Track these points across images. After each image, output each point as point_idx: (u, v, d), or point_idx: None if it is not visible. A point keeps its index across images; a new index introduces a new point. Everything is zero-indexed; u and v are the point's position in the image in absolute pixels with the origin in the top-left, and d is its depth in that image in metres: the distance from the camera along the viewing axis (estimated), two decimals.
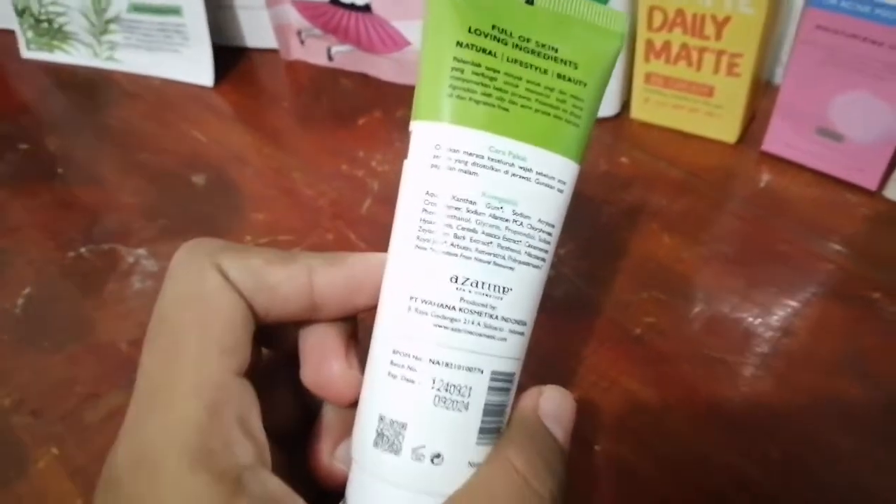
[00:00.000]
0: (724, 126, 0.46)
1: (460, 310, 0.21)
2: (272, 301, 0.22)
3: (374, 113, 0.54)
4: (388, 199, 0.46)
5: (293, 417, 0.25)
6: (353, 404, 0.23)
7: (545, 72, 0.22)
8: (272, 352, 0.25)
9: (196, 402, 0.20)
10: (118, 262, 0.44)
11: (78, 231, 0.46)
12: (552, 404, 0.23)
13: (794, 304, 0.38)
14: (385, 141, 0.51)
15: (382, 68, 0.56)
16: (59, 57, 0.62)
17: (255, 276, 0.22)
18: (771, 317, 0.37)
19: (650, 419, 0.33)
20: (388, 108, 0.54)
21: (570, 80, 0.22)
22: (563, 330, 0.37)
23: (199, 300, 0.21)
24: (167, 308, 0.21)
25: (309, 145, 0.52)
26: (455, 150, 0.21)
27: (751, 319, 0.37)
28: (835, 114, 0.41)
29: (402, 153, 0.22)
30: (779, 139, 0.45)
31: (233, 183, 0.49)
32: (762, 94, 0.48)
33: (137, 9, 0.57)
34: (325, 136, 0.52)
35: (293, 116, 0.55)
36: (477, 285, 0.21)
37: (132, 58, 0.60)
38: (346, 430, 0.24)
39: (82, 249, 0.45)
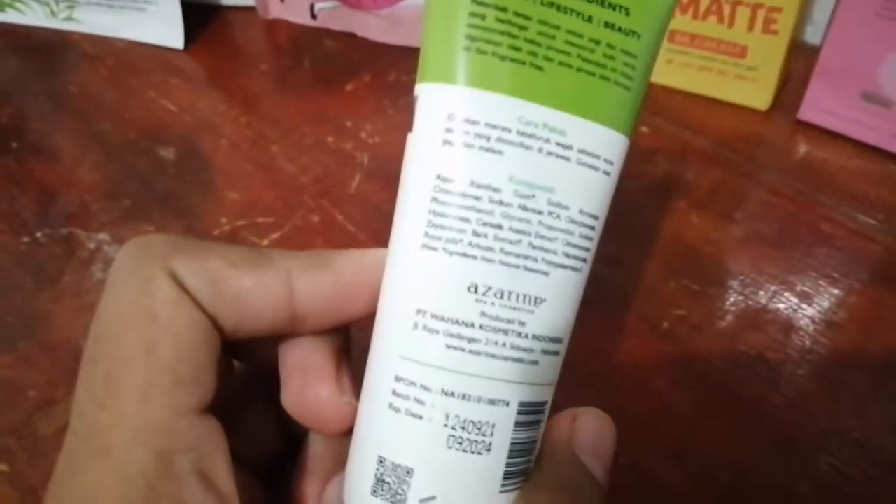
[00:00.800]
0: (756, 91, 0.43)
1: (481, 327, 0.17)
2: (241, 314, 0.18)
3: (363, 77, 0.50)
4: (379, 175, 0.42)
5: (273, 444, 0.21)
6: (347, 433, 0.19)
7: (589, 19, 0.17)
8: (246, 365, 0.21)
9: (141, 451, 0.16)
10: (77, 248, 0.40)
11: (32, 213, 0.42)
12: (589, 434, 0.19)
13: (838, 291, 0.34)
14: (376, 109, 0.47)
15: (372, 27, 0.52)
16: (11, 17, 0.58)
17: (219, 283, 0.18)
18: (813, 307, 0.34)
19: (682, 428, 0.30)
20: (379, 71, 0.50)
21: (620, 29, 0.17)
22: (583, 324, 0.33)
23: (148, 318, 0.17)
24: (107, 326, 0.17)
25: (290, 114, 0.48)
26: (474, 122, 0.17)
27: (791, 311, 0.34)
28: (885, 76, 0.38)
29: (396, 123, 0.18)
30: (818, 106, 0.41)
31: (205, 157, 0.45)
32: (795, 55, 0.44)
33: None
34: (308, 104, 0.49)
35: (272, 81, 0.51)
36: (502, 296, 0.17)
37: (93, 18, 0.56)
38: (338, 463, 0.20)
39: (37, 234, 0.41)
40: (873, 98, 0.39)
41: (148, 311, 0.17)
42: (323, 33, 0.54)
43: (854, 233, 0.37)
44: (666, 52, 0.44)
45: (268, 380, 0.21)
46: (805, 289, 0.34)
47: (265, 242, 0.39)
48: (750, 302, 0.34)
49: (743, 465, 0.29)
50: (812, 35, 0.46)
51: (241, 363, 0.21)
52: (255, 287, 0.18)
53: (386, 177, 0.42)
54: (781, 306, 0.34)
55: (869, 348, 0.32)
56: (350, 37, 0.53)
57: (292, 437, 0.21)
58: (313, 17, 0.55)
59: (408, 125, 0.17)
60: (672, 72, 0.45)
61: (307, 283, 0.18)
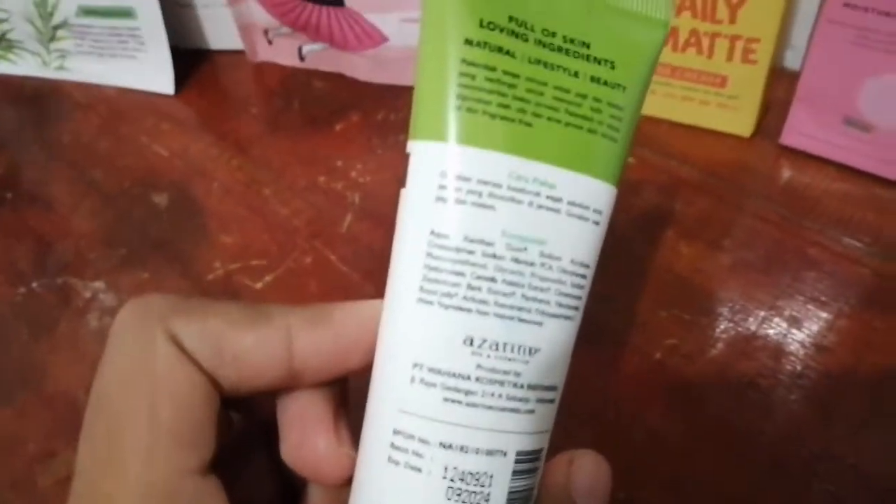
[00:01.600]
0: (739, 119, 0.43)
1: (477, 379, 0.17)
2: (241, 373, 0.18)
3: (351, 117, 0.50)
4: (371, 214, 0.42)
5: (273, 495, 0.22)
6: (346, 484, 0.19)
7: (576, 74, 0.18)
8: (245, 418, 0.22)
9: None
10: (73, 297, 0.40)
11: (28, 263, 0.43)
12: (586, 477, 0.19)
13: (827, 315, 0.35)
14: (365, 148, 0.47)
15: (359, 67, 0.53)
16: (4, 68, 0.58)
17: (218, 343, 0.18)
18: (803, 332, 0.34)
19: (678, 460, 0.30)
20: (367, 110, 0.50)
21: (605, 83, 0.18)
22: (575, 358, 0.33)
23: (148, 379, 0.17)
24: (108, 388, 0.18)
25: (282, 156, 0.48)
26: (466, 179, 0.17)
27: (781, 336, 0.34)
28: (864, 101, 0.38)
29: (386, 161, 0.18)
30: (799, 131, 0.41)
31: (198, 202, 0.45)
32: (775, 80, 0.45)
33: (87, 12, 0.54)
34: (299, 145, 0.49)
35: (263, 124, 0.51)
36: (497, 347, 0.17)
37: (84, 66, 0.57)
38: None
39: (33, 284, 0.41)
40: (854, 123, 0.39)
41: (148, 373, 0.17)
42: (311, 74, 0.55)
43: (841, 256, 0.37)
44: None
45: (267, 431, 0.21)
46: (794, 314, 0.35)
47: (259, 285, 0.39)
48: (740, 329, 0.34)
49: (738, 495, 0.29)
50: (792, 60, 0.46)
51: (240, 416, 0.21)
52: (254, 345, 0.18)
53: (377, 216, 0.42)
54: (771, 332, 0.34)
55: (859, 372, 0.32)
56: (338, 77, 0.54)
57: (291, 489, 0.22)
58: (301, 58, 0.55)
59: (398, 164, 0.18)
60: (655, 102, 0.45)
61: (307, 339, 0.19)
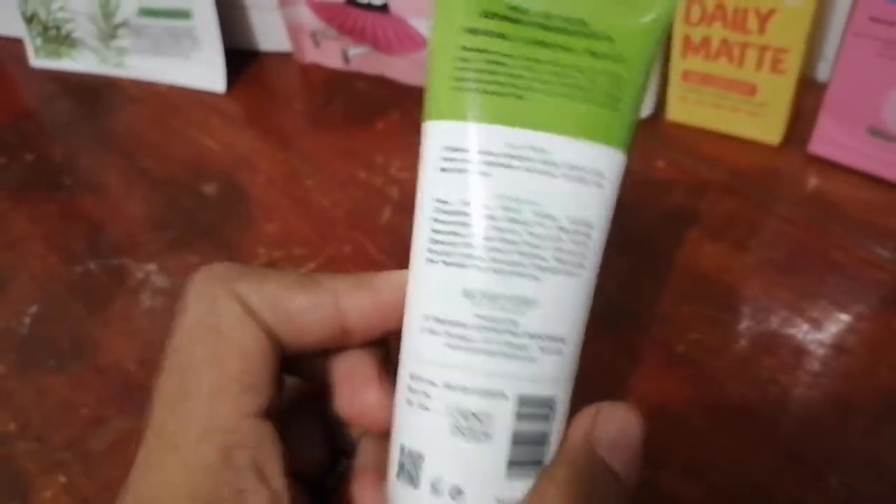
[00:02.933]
0: (767, 126, 0.44)
1: (474, 327, 0.19)
2: (296, 331, 0.20)
3: (391, 115, 0.52)
4: (408, 208, 0.43)
5: (321, 455, 0.23)
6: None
7: (570, 50, 0.19)
8: (297, 380, 0.23)
9: (207, 448, 0.18)
10: (126, 277, 0.42)
11: (84, 244, 0.45)
12: (611, 428, 0.19)
13: (848, 318, 0.35)
14: (404, 145, 0.49)
15: (400, 70, 0.54)
16: (66, 64, 0.61)
17: (276, 303, 0.20)
18: (823, 332, 0.35)
19: (698, 446, 0.31)
20: (407, 109, 0.52)
21: (603, 56, 0.19)
22: (600, 347, 0.35)
23: (215, 333, 0.20)
24: (179, 343, 0.20)
25: (323, 151, 0.50)
26: (465, 150, 0.19)
27: (802, 335, 0.35)
28: (888, 112, 0.39)
29: None
30: (827, 139, 0.42)
31: (244, 191, 0.47)
32: (805, 91, 0.46)
33: (146, 13, 0.56)
34: (340, 141, 0.51)
35: (307, 120, 0.53)
36: (493, 299, 0.19)
37: (141, 64, 0.59)
38: (383, 468, 0.22)
39: (90, 264, 0.43)
40: (879, 133, 0.40)
41: (214, 328, 0.20)
42: (354, 76, 0.57)
43: (863, 261, 0.38)
44: (680, 91, 0.46)
45: (317, 395, 0.23)
46: (816, 315, 0.35)
47: (302, 271, 0.41)
48: (763, 327, 0.35)
49: (758, 482, 0.30)
50: (823, 72, 0.47)
51: (293, 379, 0.23)
52: (307, 306, 0.20)
53: (414, 209, 0.44)
54: (793, 331, 0.35)
55: (878, 372, 0.33)
56: (380, 79, 0.56)
57: (335, 450, 0.23)
58: (346, 61, 0.57)
59: None
60: (686, 109, 0.46)
61: (352, 302, 0.21)
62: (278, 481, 0.19)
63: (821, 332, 0.35)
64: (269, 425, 0.20)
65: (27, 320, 0.40)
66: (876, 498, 0.29)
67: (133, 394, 0.36)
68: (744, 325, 0.35)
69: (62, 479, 0.33)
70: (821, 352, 0.34)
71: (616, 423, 0.20)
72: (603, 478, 0.19)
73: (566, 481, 0.19)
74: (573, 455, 0.19)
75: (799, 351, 0.34)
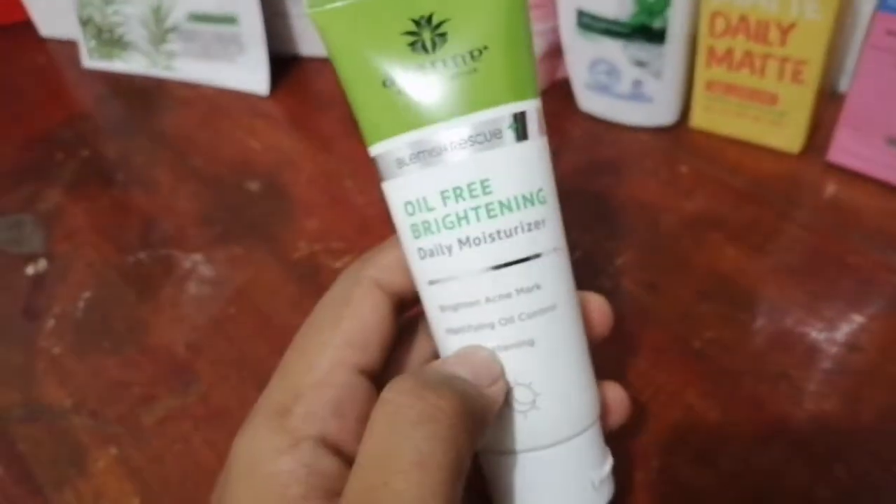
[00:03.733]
0: (788, 135, 0.45)
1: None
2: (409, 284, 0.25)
3: None
4: None
5: None
6: None
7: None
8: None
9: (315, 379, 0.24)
10: (175, 267, 0.45)
11: (136, 236, 0.47)
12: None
13: (861, 318, 0.36)
14: None
15: None
16: (117, 66, 0.64)
17: (395, 266, 0.25)
18: (837, 332, 0.36)
19: (711, 434, 0.32)
20: None
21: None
22: (622, 341, 0.36)
23: (343, 302, 0.24)
24: (316, 310, 0.25)
25: (361, 153, 0.51)
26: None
27: (816, 334, 0.36)
28: None
29: None
30: (845, 149, 0.43)
31: (285, 189, 0.50)
32: (826, 102, 0.47)
33: (195, 18, 0.59)
34: None
35: (346, 124, 0.55)
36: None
37: (189, 67, 0.62)
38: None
39: (140, 254, 0.46)
40: (895, 143, 0.41)
41: (345, 299, 0.24)
42: None
43: (877, 265, 0.39)
44: (704, 100, 0.47)
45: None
46: (830, 315, 0.37)
47: (338, 264, 0.43)
48: (777, 326, 0.36)
49: (768, 469, 0.31)
50: (844, 84, 0.48)
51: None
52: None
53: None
54: (807, 330, 0.36)
55: (886, 370, 0.34)
56: None
57: None
58: None
59: None
60: (710, 117, 0.48)
61: None
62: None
63: (834, 331, 0.36)
64: (368, 383, 0.23)
65: (82, 304, 0.43)
66: (880, 487, 0.30)
67: (181, 374, 0.38)
68: (759, 323, 0.37)
69: (114, 450, 0.35)
70: (833, 350, 0.35)
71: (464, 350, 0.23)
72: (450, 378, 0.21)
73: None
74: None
75: (812, 349, 0.35)
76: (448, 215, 0.22)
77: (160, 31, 0.60)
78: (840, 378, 0.34)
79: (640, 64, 0.46)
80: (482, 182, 0.22)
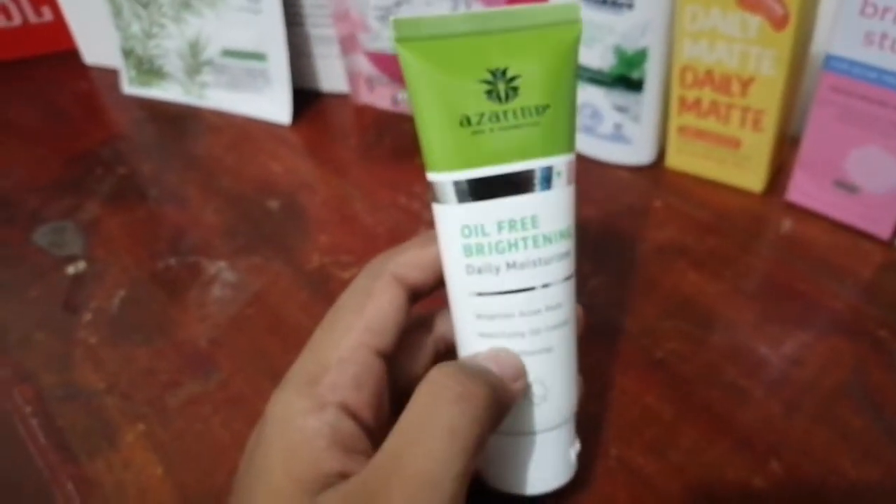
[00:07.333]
0: (750, 176, 0.49)
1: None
2: (422, 275, 0.28)
3: None
4: None
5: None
6: None
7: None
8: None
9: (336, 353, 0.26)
10: (201, 272, 0.47)
11: (166, 244, 0.50)
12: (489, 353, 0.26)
13: (805, 337, 0.40)
14: None
15: None
16: (154, 93, 0.68)
17: (411, 262, 0.27)
18: (782, 347, 0.39)
19: (665, 431, 0.35)
20: None
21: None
22: (594, 353, 0.39)
23: (364, 292, 0.27)
24: (342, 297, 0.27)
25: (372, 180, 0.55)
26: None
27: (764, 349, 0.39)
28: (850, 167, 0.44)
29: None
30: (800, 189, 0.47)
31: (302, 208, 0.53)
32: (787, 147, 0.51)
33: (228, 54, 0.62)
34: (387, 172, 0.56)
35: (358, 153, 0.59)
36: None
37: (220, 96, 0.65)
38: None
39: (171, 260, 0.49)
40: (843, 184, 0.45)
41: (365, 290, 0.27)
42: (402, 117, 0.62)
43: (822, 292, 0.42)
44: (677, 143, 0.51)
45: (429, 329, 0.30)
46: (777, 333, 0.40)
47: (346, 275, 0.46)
48: (731, 341, 0.40)
49: (714, 462, 0.34)
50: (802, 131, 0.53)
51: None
52: (425, 255, 0.28)
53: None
54: (756, 345, 0.39)
55: (824, 383, 0.37)
56: None
57: None
58: (395, 104, 0.63)
59: None
60: (682, 158, 0.52)
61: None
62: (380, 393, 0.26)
63: (780, 347, 0.39)
64: (382, 364, 0.26)
65: (117, 301, 0.46)
66: (813, 482, 0.33)
67: (203, 365, 0.40)
68: (714, 338, 0.40)
69: (142, 427, 0.37)
70: (777, 363, 0.38)
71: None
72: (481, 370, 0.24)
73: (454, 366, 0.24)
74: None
75: (759, 361, 0.38)
76: (500, 242, 0.25)
77: (196, 64, 0.64)
78: (782, 388, 0.37)
79: (621, 109, 0.51)
80: (533, 218, 0.25)
